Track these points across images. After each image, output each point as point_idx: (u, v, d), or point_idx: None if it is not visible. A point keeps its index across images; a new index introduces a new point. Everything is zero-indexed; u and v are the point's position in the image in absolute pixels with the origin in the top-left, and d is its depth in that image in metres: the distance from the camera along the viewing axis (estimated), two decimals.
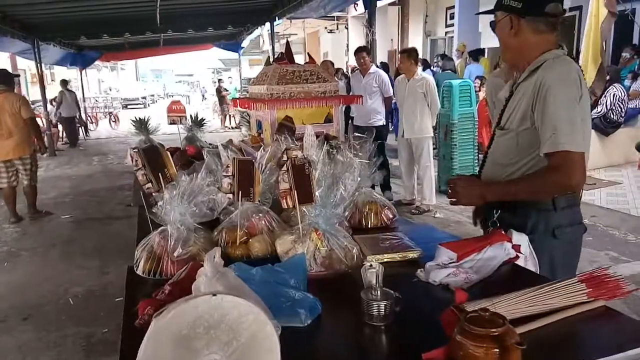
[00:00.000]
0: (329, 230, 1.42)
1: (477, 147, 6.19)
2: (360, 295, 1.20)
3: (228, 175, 1.47)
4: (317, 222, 1.44)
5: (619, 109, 6.27)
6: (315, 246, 1.39)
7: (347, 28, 17.21)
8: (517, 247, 1.57)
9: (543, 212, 1.64)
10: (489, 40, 11.09)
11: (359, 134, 1.94)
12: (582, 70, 1.67)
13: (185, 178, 1.49)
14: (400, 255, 1.55)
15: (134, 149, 3.79)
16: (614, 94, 6.27)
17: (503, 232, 1.58)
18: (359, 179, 1.63)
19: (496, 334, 0.91)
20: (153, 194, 1.58)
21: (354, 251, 1.40)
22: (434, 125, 5.49)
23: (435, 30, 13.84)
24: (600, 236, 4.43)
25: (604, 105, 6.25)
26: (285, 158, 1.60)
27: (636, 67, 7.18)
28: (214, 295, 0.83)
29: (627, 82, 6.93)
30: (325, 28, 18.96)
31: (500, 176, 1.72)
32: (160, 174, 1.51)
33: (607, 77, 5.96)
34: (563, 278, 1.24)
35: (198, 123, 3.85)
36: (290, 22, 15.08)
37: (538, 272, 1.56)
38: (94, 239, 5.19)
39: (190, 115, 3.51)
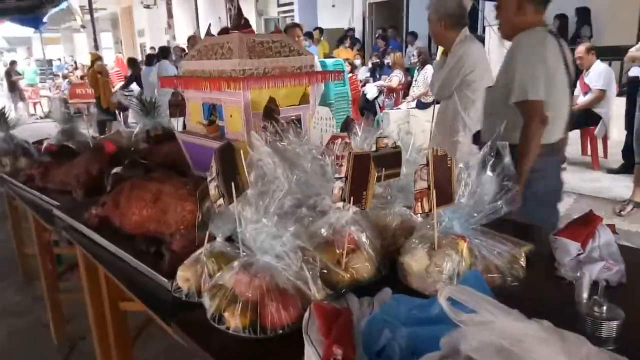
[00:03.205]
0: (474, 237, 1.13)
1: None
2: (583, 314, 0.96)
3: (340, 178, 1.07)
4: (451, 226, 1.15)
5: None
6: (462, 258, 1.10)
7: (169, 3, 15.94)
8: (612, 227, 1.48)
9: None
10: (327, 21, 11.33)
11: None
12: None
13: (277, 186, 1.04)
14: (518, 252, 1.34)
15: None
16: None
17: None
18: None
19: None
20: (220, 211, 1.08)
21: (521, 260, 1.14)
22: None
23: (268, 9, 13.65)
24: None
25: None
26: (374, 149, 1.24)
27: None
28: None
29: None
30: (141, 2, 17.24)
31: None
32: (233, 183, 1.03)
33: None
34: None
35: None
36: None
37: None
38: None
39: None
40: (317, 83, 2.16)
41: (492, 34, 6.86)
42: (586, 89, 5.37)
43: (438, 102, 5.57)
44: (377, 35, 10.02)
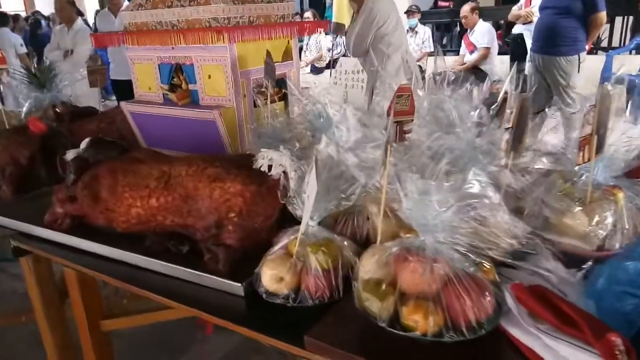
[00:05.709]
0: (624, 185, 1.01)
1: None
2: None
3: (508, 128, 0.86)
4: (595, 177, 1.02)
5: None
6: (621, 210, 0.98)
7: None
8: None
9: None
10: None
11: None
12: None
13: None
14: None
15: None
16: None
17: None
18: None
19: None
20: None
21: None
22: None
23: None
24: None
25: None
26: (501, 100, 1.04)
27: None
28: None
29: None
30: None
31: None
32: (389, 147, 0.76)
33: None
34: None
35: None
36: None
37: None
38: None
39: None
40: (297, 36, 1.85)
41: None
42: (472, 48, 5.68)
43: (334, 66, 5.51)
44: None
